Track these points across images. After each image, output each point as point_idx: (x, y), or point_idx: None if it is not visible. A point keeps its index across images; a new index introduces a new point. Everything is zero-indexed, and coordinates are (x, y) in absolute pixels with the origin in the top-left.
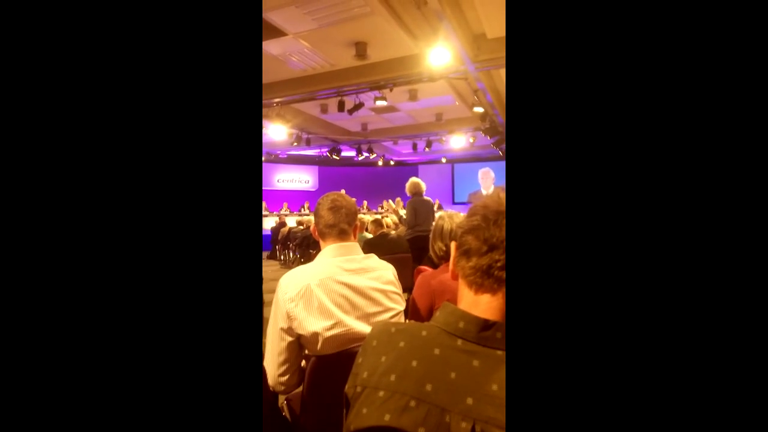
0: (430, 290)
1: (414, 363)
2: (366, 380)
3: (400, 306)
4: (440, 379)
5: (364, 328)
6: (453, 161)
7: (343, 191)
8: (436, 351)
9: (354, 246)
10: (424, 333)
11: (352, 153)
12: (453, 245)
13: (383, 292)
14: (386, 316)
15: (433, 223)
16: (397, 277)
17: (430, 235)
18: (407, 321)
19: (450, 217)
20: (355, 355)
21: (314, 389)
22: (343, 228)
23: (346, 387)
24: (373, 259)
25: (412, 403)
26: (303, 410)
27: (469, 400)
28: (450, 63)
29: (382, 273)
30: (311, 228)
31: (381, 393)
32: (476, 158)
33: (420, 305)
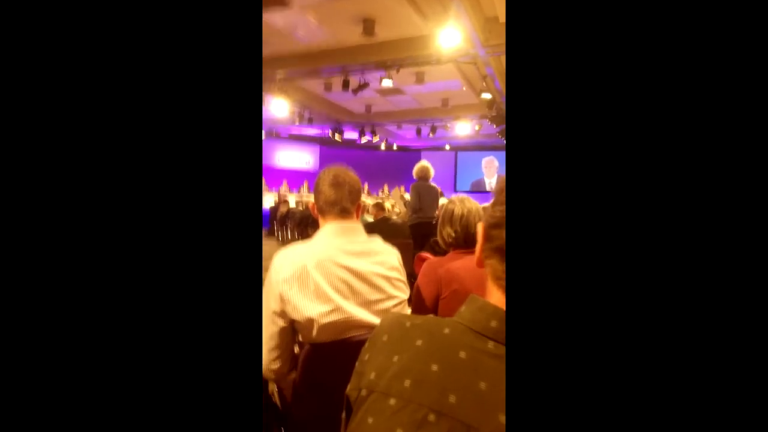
0: (436, 279)
1: (434, 367)
2: (373, 383)
3: (404, 294)
4: (467, 389)
5: (365, 316)
6: (456, 149)
7: (346, 166)
8: (462, 354)
9: (357, 227)
10: (446, 331)
11: (354, 135)
12: (480, 231)
13: (387, 278)
14: (389, 304)
15: (442, 208)
16: (401, 262)
17: (438, 220)
18: (426, 315)
19: (461, 201)
20: (354, 344)
21: (307, 380)
22: (345, 206)
23: (349, 388)
24: (377, 242)
25: (431, 417)
26: (295, 401)
27: (502, 417)
28: (460, 45)
29: (386, 258)
30: (310, 205)
31: (392, 401)
32: (480, 147)
33: (425, 294)
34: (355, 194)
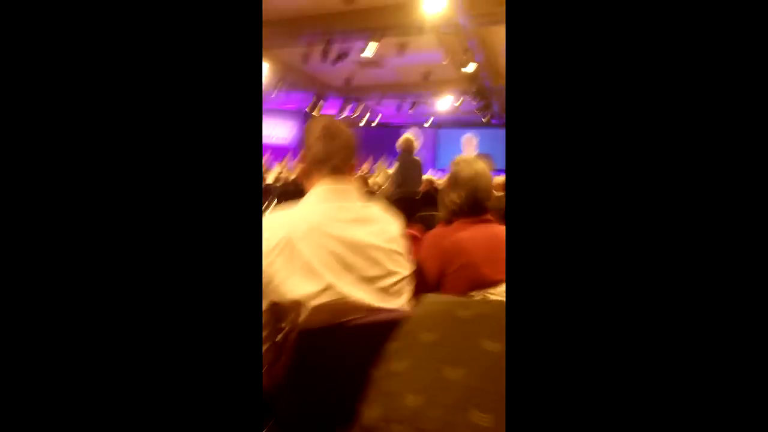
0: (440, 252)
1: None
2: (417, 414)
3: (406, 270)
4: None
5: (363, 296)
6: (437, 126)
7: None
8: None
9: (351, 190)
10: None
11: (332, 111)
12: None
13: (386, 251)
14: (390, 281)
15: (446, 169)
16: (402, 233)
17: (442, 184)
18: (490, 299)
19: (468, 162)
20: (352, 330)
21: (295, 374)
22: (337, 164)
23: (368, 414)
24: (374, 208)
25: None
26: (279, 398)
27: None
28: (444, 12)
29: (385, 227)
30: (294, 162)
31: None
32: (461, 124)
33: (428, 270)
34: (350, 150)
